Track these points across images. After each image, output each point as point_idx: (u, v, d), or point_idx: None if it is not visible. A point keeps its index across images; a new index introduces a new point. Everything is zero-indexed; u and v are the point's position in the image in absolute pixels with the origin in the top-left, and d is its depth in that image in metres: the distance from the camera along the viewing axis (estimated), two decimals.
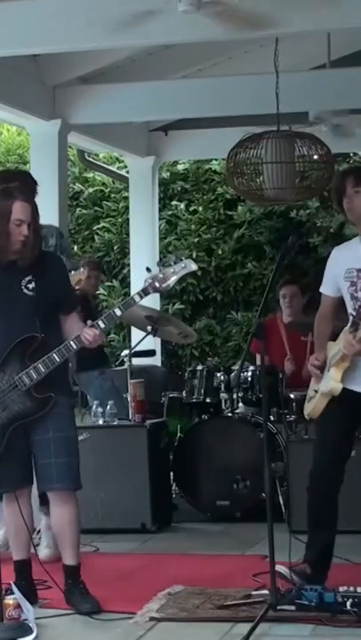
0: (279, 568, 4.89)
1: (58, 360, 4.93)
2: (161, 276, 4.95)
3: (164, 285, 4.95)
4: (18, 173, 6.72)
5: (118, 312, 4.99)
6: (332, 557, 5.22)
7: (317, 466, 5.17)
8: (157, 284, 4.95)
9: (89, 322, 4.99)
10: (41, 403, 4.95)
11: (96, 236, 13.42)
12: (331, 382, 5.04)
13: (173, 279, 4.96)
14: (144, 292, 4.97)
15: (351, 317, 5.02)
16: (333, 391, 5.05)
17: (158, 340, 9.58)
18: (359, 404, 5.08)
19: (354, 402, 5.06)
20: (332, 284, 5.21)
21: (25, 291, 4.98)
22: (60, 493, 5.04)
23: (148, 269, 5.04)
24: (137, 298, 4.99)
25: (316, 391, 5.23)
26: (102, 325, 4.98)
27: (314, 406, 5.20)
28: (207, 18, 6.27)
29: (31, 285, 4.98)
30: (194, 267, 5.01)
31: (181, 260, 4.97)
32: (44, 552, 5.88)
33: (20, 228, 4.96)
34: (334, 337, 5.16)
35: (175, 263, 4.95)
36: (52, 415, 4.98)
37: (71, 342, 4.95)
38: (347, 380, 5.04)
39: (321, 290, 5.31)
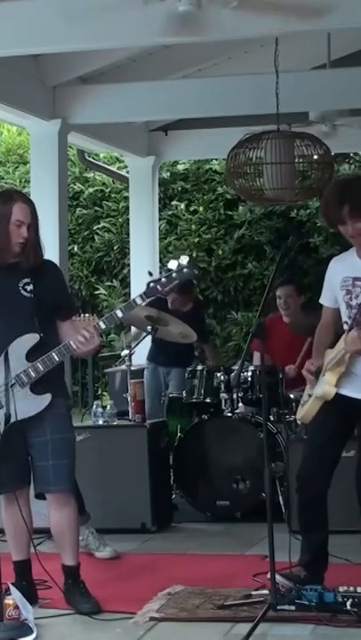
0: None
1: (57, 359, 4.95)
2: (163, 280, 4.96)
3: (165, 289, 4.97)
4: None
5: (119, 314, 5.01)
6: (329, 558, 5.22)
7: (304, 468, 5.18)
8: (159, 288, 4.96)
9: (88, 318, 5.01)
10: (38, 402, 4.95)
11: (96, 236, 13.42)
12: (325, 386, 5.05)
13: (175, 284, 4.97)
14: (146, 295, 4.99)
15: (346, 325, 5.03)
16: (327, 395, 5.05)
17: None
18: (352, 410, 5.09)
19: (347, 407, 5.07)
20: (330, 294, 5.23)
21: (23, 292, 5.00)
22: (59, 495, 5.04)
23: (150, 273, 5.07)
24: (138, 300, 5.00)
25: (310, 395, 5.24)
26: (103, 326, 5.00)
27: (307, 409, 5.21)
28: (207, 18, 6.27)
29: (29, 287, 5.00)
30: (196, 272, 5.03)
31: (183, 264, 4.98)
32: (106, 551, 6.18)
33: (20, 229, 4.98)
34: (334, 343, 5.17)
35: (177, 267, 4.96)
36: (49, 417, 4.99)
37: (71, 342, 4.96)
38: (341, 385, 5.05)
39: (321, 301, 5.32)
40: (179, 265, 4.96)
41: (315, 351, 5.30)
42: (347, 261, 5.16)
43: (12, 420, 4.92)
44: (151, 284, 4.97)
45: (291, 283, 8.17)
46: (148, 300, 5.05)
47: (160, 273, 5.07)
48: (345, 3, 6.27)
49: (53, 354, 4.94)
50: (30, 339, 4.96)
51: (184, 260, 4.98)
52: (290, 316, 7.93)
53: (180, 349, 8.11)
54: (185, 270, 4.96)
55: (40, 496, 5.13)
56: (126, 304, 5.07)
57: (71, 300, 5.39)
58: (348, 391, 5.06)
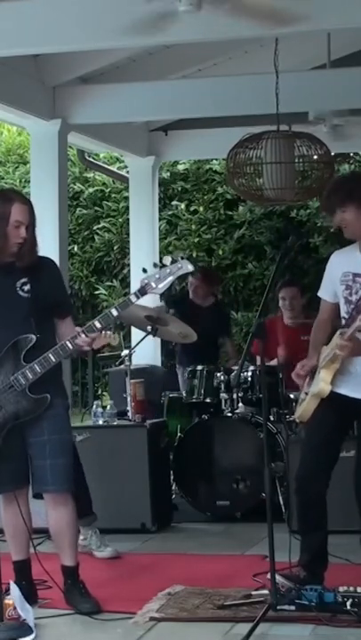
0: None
1: (54, 360, 4.95)
2: (157, 276, 4.96)
3: (160, 286, 4.96)
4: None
5: (115, 312, 5.00)
6: (328, 558, 5.22)
7: (303, 468, 5.18)
8: (154, 285, 4.96)
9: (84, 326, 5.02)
10: (36, 403, 4.96)
11: (96, 236, 13.42)
12: (320, 384, 5.05)
13: (169, 279, 4.97)
14: (140, 293, 4.99)
15: (344, 321, 5.04)
16: (322, 393, 5.04)
17: (158, 340, 9.58)
18: (349, 408, 5.09)
19: (343, 405, 5.07)
20: (329, 288, 5.23)
21: (20, 293, 5.01)
22: (56, 495, 5.05)
23: (145, 270, 5.07)
24: (133, 298, 5.00)
25: (306, 394, 5.24)
26: (98, 325, 5.00)
27: (304, 408, 5.21)
28: (207, 18, 6.27)
29: (26, 287, 5.01)
30: (190, 267, 5.03)
31: (177, 260, 4.98)
32: (106, 551, 6.18)
33: (19, 229, 4.99)
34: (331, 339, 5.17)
35: (171, 264, 4.97)
36: (47, 417, 4.99)
37: (67, 342, 4.97)
38: (337, 383, 5.04)
39: (319, 294, 5.32)
40: (173, 260, 4.96)
41: (311, 348, 5.30)
42: (348, 256, 5.17)
43: (12, 421, 4.92)
44: (145, 281, 4.97)
45: (294, 284, 8.18)
46: (142, 297, 5.05)
47: (154, 270, 5.05)
48: (345, 3, 6.27)
49: (50, 355, 4.94)
50: (27, 340, 4.95)
51: (178, 256, 4.98)
52: (293, 318, 7.92)
53: (203, 348, 8.09)
54: (180, 266, 4.96)
55: (38, 496, 5.13)
56: (121, 302, 5.07)
57: (68, 299, 5.40)
58: (345, 390, 5.05)
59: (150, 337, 7.65)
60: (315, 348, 5.26)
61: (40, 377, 4.95)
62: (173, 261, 4.96)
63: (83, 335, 4.95)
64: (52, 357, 4.94)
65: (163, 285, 4.96)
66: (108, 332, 6.08)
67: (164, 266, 4.98)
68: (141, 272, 5.09)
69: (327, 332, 5.26)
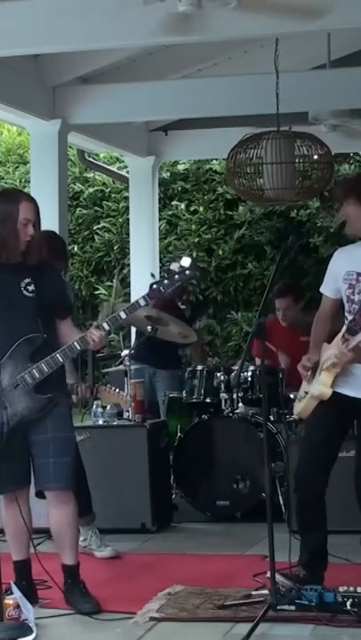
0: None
1: (61, 360, 4.96)
2: (166, 282, 4.98)
3: (168, 291, 4.98)
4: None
5: (123, 315, 5.02)
6: (328, 558, 5.21)
7: (302, 467, 5.18)
8: (162, 290, 4.98)
9: (95, 323, 5.02)
10: (42, 402, 4.96)
11: (96, 236, 13.43)
12: (321, 387, 5.04)
13: (177, 285, 4.99)
14: (149, 297, 5.00)
15: (346, 322, 5.03)
16: (322, 396, 5.04)
17: None
18: (349, 408, 5.08)
19: (343, 405, 5.06)
20: (331, 284, 5.22)
21: (25, 292, 5.01)
22: (59, 493, 5.04)
23: (153, 275, 5.08)
24: (142, 302, 5.02)
25: (306, 392, 5.23)
26: (107, 327, 5.01)
27: (303, 406, 5.21)
28: (207, 18, 6.27)
29: (30, 287, 5.02)
30: (197, 273, 5.06)
31: (186, 266, 4.99)
32: (106, 551, 6.18)
33: (27, 227, 5.01)
34: (332, 336, 5.16)
35: (180, 270, 4.98)
36: (51, 415, 5.00)
37: (75, 343, 4.97)
38: (338, 383, 5.03)
39: (321, 290, 5.32)
40: (181, 267, 4.97)
41: (312, 344, 5.29)
42: (353, 255, 5.16)
43: (16, 420, 4.92)
44: (154, 286, 4.99)
45: (288, 293, 7.94)
46: (151, 302, 5.07)
47: (161, 274, 5.07)
48: (345, 3, 6.27)
49: (57, 355, 4.94)
50: (35, 339, 4.96)
51: (186, 261, 4.99)
52: (289, 326, 7.88)
53: (166, 351, 8.03)
54: (187, 272, 4.98)
55: (40, 494, 5.13)
56: (130, 305, 5.09)
57: (68, 300, 5.42)
58: (346, 390, 5.04)
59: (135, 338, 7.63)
60: (315, 344, 5.25)
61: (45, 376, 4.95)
62: (181, 267, 4.97)
63: (94, 331, 4.96)
64: (59, 358, 4.95)
65: (171, 291, 4.98)
66: (122, 393, 6.21)
67: (171, 271, 4.99)
68: (146, 274, 5.09)
69: (327, 328, 5.25)
